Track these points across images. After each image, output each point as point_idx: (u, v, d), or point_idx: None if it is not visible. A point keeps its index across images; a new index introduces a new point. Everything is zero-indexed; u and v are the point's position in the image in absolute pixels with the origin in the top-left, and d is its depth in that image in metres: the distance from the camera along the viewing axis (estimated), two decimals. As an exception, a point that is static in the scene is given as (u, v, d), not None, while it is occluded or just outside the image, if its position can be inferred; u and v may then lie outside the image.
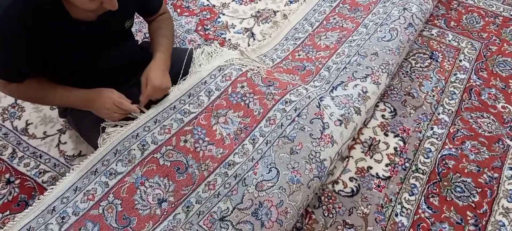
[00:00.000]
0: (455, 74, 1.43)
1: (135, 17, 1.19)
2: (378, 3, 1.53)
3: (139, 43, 1.32)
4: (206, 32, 1.58)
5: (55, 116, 1.36)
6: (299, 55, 1.43)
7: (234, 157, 1.05)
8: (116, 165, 1.02)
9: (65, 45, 0.95)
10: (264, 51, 1.46)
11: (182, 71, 1.21)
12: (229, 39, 1.56)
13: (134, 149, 1.04)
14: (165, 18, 1.24)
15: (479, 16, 1.61)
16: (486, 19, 1.60)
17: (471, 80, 1.42)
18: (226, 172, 1.03)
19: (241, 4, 1.69)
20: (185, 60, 1.23)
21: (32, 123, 1.35)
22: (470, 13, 1.62)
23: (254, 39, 1.56)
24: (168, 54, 1.15)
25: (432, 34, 1.56)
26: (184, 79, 1.21)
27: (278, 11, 1.66)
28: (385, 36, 1.35)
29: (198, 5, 1.67)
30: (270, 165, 1.03)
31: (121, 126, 1.08)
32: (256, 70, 1.25)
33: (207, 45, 1.49)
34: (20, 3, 0.86)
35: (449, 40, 1.54)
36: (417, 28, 1.42)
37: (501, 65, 1.45)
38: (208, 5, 1.68)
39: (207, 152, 1.06)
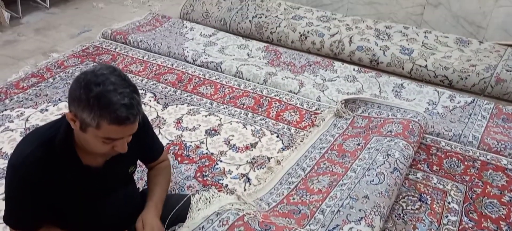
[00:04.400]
0: (446, 217, 1.47)
1: (138, 164, 1.27)
2: (364, 150, 1.66)
3: (140, 190, 1.38)
4: (204, 178, 1.65)
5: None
6: (293, 199, 1.49)
7: None
8: None
9: (73, 190, 1.01)
10: (259, 195, 1.52)
11: (170, 217, 1.23)
12: (226, 185, 1.62)
13: None
14: (163, 167, 1.32)
15: (458, 160, 1.73)
16: (466, 163, 1.71)
17: (463, 222, 1.45)
18: None
19: (237, 151, 1.81)
20: (177, 206, 1.26)
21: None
22: (450, 157, 1.75)
23: (250, 184, 1.63)
24: (160, 202, 1.21)
25: (418, 178, 1.65)
26: (181, 226, 1.24)
27: (271, 157, 1.77)
28: (373, 179, 1.44)
29: (197, 154, 1.79)
30: None
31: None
32: (253, 214, 1.29)
33: (205, 190, 1.55)
34: (39, 152, 0.95)
35: (435, 183, 1.62)
36: (402, 172, 1.52)
37: (489, 207, 1.51)
38: (207, 153, 1.79)
39: None
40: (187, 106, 2.11)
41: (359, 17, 2.90)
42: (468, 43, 2.45)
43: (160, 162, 1.32)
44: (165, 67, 2.47)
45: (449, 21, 2.76)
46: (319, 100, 2.17)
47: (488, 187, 1.60)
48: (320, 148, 1.78)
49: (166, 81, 2.33)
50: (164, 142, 1.85)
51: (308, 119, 2.03)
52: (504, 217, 1.47)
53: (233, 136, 1.91)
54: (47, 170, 0.96)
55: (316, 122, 1.99)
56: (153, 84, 2.32)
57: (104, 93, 0.89)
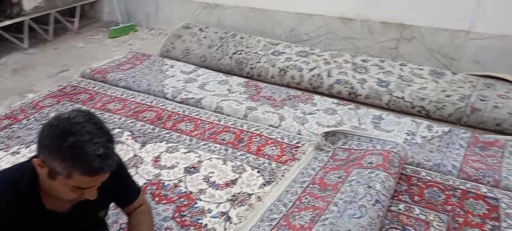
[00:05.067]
0: (429, 248, 1.45)
1: (112, 207, 1.22)
2: (345, 183, 1.64)
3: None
4: (183, 219, 1.60)
5: None
6: (275, 236, 1.44)
7: None
8: None
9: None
10: (240, 234, 1.47)
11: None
12: (206, 224, 1.57)
13: None
14: (143, 211, 1.27)
15: (439, 190, 1.73)
16: (446, 192, 1.71)
17: (447, 253, 1.43)
18: None
19: (217, 189, 1.77)
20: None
21: None
22: (430, 187, 1.75)
23: (230, 223, 1.58)
24: None
25: (400, 209, 1.64)
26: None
27: (252, 193, 1.74)
28: (355, 213, 1.42)
29: (176, 193, 1.74)
30: None
31: None
32: (232, 254, 1.24)
33: (183, 231, 1.50)
34: (4, 194, 0.91)
35: (417, 214, 1.61)
36: (384, 204, 1.50)
37: (471, 236, 1.50)
38: (185, 192, 1.75)
39: None
40: (165, 144, 2.08)
41: (337, 51, 2.96)
42: (442, 75, 2.51)
43: (138, 206, 1.27)
44: (144, 105, 2.45)
45: (423, 54, 2.85)
46: (299, 134, 2.17)
47: (469, 216, 1.59)
48: (302, 182, 1.76)
49: (145, 119, 2.30)
50: (141, 181, 1.80)
51: (289, 153, 2.01)
52: (492, 246, 1.46)
53: (212, 172, 1.87)
54: (13, 213, 0.92)
55: (297, 155, 1.98)
56: (131, 122, 2.28)
57: (78, 143, 0.86)
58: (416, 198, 1.70)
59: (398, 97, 2.43)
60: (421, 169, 1.87)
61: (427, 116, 2.37)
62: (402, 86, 2.47)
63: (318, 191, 1.67)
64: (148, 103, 2.46)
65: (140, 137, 2.14)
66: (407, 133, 2.17)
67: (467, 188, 1.74)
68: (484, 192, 1.71)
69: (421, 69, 2.58)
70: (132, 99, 2.52)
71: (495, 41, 2.60)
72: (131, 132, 2.19)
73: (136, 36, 3.86)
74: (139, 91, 2.62)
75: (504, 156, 1.95)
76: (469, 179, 1.79)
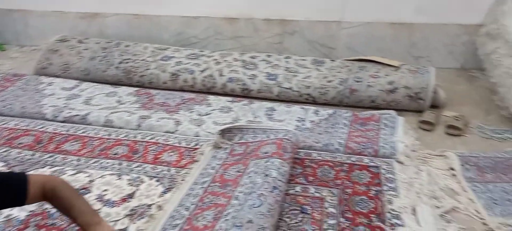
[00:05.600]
0: (326, 222, 1.56)
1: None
2: (244, 175, 1.68)
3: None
4: (76, 245, 1.46)
5: None
6: (178, 242, 1.40)
7: None
8: None
9: None
10: (142, 248, 1.40)
11: None
12: (103, 245, 1.46)
13: None
14: (53, 189, 1.13)
15: (329, 167, 1.87)
16: (335, 168, 1.86)
17: (341, 223, 1.55)
18: None
19: (113, 206, 1.65)
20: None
21: None
22: (322, 166, 1.88)
23: (130, 239, 1.49)
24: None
25: (297, 191, 1.73)
26: None
27: (152, 204, 1.67)
28: (255, 203, 1.45)
29: (66, 219, 1.58)
30: None
31: None
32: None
33: (77, 258, 1.36)
34: None
35: (313, 193, 1.72)
36: (281, 189, 1.57)
37: (359, 204, 1.65)
38: (76, 215, 1.60)
39: None
40: (49, 168, 1.88)
41: (226, 51, 3.01)
42: (323, 63, 2.73)
43: (42, 191, 1.12)
44: (19, 130, 2.18)
45: (305, 46, 3.06)
46: (197, 136, 2.15)
47: (356, 186, 1.75)
48: (203, 183, 1.75)
49: (21, 145, 2.05)
50: (22, 214, 1.59)
51: (188, 156, 1.98)
52: (373, 209, 1.62)
53: (107, 190, 1.75)
54: None
55: (196, 157, 1.95)
56: (4, 151, 2.01)
57: None
58: (310, 178, 1.81)
59: (286, 88, 2.56)
60: (312, 151, 2.00)
61: (314, 102, 2.55)
62: (289, 77, 2.61)
63: (219, 188, 1.68)
64: (23, 128, 2.20)
65: (17, 165, 1.90)
66: (298, 120, 2.31)
67: (353, 161, 1.91)
68: (367, 163, 1.90)
69: (304, 60, 2.76)
70: (4, 126, 2.22)
71: (363, 28, 2.91)
72: (5, 162, 1.92)
73: (4, 55, 3.43)
74: (12, 116, 2.32)
75: (380, 128, 2.19)
76: (353, 153, 1.97)
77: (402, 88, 2.41)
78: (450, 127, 2.24)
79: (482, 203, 1.71)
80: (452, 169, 1.93)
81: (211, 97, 2.57)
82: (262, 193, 1.49)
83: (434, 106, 2.45)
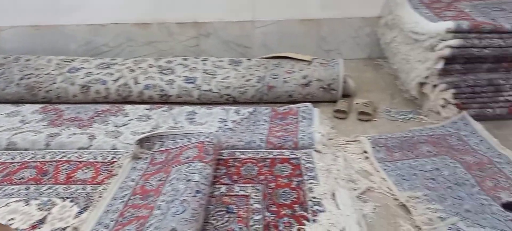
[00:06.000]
0: (252, 218, 1.57)
1: None
2: (166, 184, 1.63)
3: None
4: None
5: None
6: (98, 263, 1.32)
7: None
8: None
9: None
10: (56, 277, 1.28)
11: None
12: (11, 281, 1.31)
13: None
14: None
15: (252, 164, 1.90)
16: (258, 164, 1.89)
17: (266, 218, 1.58)
18: None
19: (21, 236, 1.50)
20: None
21: None
22: (245, 164, 1.90)
23: (43, 268, 1.37)
24: None
25: (222, 192, 1.72)
26: None
27: (67, 226, 1.54)
28: (178, 210, 1.41)
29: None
30: None
31: None
32: None
33: None
34: None
35: (237, 191, 1.73)
36: (204, 192, 1.55)
37: (283, 196, 1.69)
38: (-24, 253, 1.42)
39: None
40: None
41: (141, 57, 2.90)
42: (240, 62, 2.76)
43: None
44: None
45: (222, 47, 3.07)
46: (115, 149, 2.04)
47: (279, 179, 1.80)
48: (122, 197, 1.66)
49: None
50: None
51: (105, 171, 1.87)
52: (296, 200, 1.67)
53: (13, 218, 1.58)
54: None
55: (114, 171, 1.85)
56: None
57: None
58: (235, 177, 1.82)
59: (206, 91, 2.55)
60: (235, 150, 2.00)
61: (235, 102, 2.56)
62: (208, 79, 2.60)
63: (140, 200, 1.61)
64: None
65: None
66: (220, 121, 2.30)
67: (274, 155, 1.96)
68: (287, 155, 1.96)
69: (222, 61, 2.77)
70: None
71: (275, 26, 3.01)
72: None
73: None
74: None
75: (298, 120, 2.28)
76: (275, 147, 2.02)
77: (316, 81, 2.52)
78: (361, 113, 2.41)
79: (393, 180, 1.85)
80: (365, 152, 2.07)
81: (128, 106, 2.46)
82: (185, 199, 1.46)
83: (346, 95, 2.61)
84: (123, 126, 2.26)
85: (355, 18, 3.00)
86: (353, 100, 2.55)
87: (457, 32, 2.10)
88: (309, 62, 2.67)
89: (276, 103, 2.57)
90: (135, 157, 1.91)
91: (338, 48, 3.12)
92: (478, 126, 2.17)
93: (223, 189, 1.74)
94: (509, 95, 2.25)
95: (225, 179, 1.81)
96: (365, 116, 2.40)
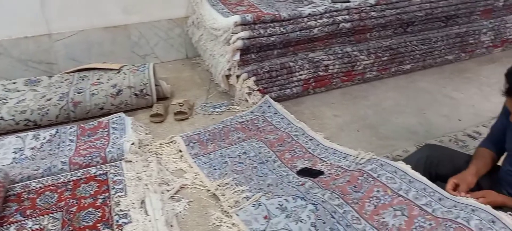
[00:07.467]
0: (47, 252, 1.41)
1: None
2: None
3: None
4: None
5: None
6: None
7: None
8: None
9: None
10: None
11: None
12: None
13: None
14: None
15: (51, 192, 1.70)
16: (59, 191, 1.70)
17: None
18: None
19: None
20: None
21: None
22: (42, 194, 1.69)
23: None
24: None
25: (11, 232, 1.50)
26: None
27: None
28: None
29: None
30: None
31: None
32: None
33: None
34: None
35: (31, 227, 1.52)
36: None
37: (85, 218, 1.56)
38: None
39: None
40: None
41: None
42: (39, 82, 2.46)
43: None
44: None
45: (18, 66, 2.69)
46: None
47: (82, 200, 1.65)
48: None
49: None
50: None
51: None
52: (100, 218, 1.56)
53: None
54: None
55: None
56: None
57: None
58: (29, 211, 1.60)
59: (-3, 119, 2.19)
60: (32, 181, 1.77)
61: (37, 126, 2.28)
62: (-2, 106, 2.24)
63: None
64: None
65: None
66: (14, 151, 2.01)
67: (78, 176, 1.80)
68: (94, 173, 1.82)
69: (15, 83, 2.43)
70: None
71: (78, 37, 2.78)
72: None
73: None
74: None
75: (109, 133, 2.15)
76: (80, 167, 1.86)
77: (126, 89, 2.42)
78: (177, 113, 2.42)
79: (205, 172, 1.91)
80: (180, 151, 2.08)
81: None
82: None
83: (163, 98, 2.59)
84: None
85: (162, 21, 2.99)
86: (170, 102, 2.54)
87: (244, 24, 2.28)
88: (118, 70, 2.55)
89: (88, 119, 2.38)
90: None
91: (153, 51, 3.07)
92: (278, 106, 2.41)
93: (12, 228, 1.51)
94: (300, 75, 2.56)
95: (16, 216, 1.57)
96: (181, 115, 2.41)
